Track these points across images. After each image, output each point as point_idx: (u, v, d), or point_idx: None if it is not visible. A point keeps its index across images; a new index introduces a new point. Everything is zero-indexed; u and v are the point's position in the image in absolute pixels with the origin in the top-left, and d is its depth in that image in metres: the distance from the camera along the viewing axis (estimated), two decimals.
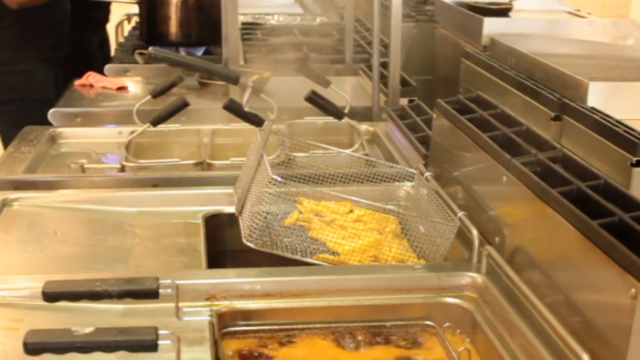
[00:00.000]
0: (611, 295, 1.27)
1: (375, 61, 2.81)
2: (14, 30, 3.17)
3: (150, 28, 3.51)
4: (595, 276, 1.33)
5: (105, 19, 4.32)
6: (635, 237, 1.29)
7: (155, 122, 2.23)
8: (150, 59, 2.02)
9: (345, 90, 2.71)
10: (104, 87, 3.07)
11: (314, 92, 2.25)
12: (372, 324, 1.62)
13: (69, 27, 3.49)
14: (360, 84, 3.22)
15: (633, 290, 1.21)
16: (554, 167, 1.58)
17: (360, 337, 1.59)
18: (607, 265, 1.28)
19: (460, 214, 1.78)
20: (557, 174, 1.56)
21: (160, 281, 1.48)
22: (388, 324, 1.63)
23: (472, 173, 1.88)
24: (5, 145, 2.55)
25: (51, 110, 2.75)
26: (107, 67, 3.35)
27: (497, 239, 1.70)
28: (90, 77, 3.11)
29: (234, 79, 2.18)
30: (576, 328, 1.36)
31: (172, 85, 2.46)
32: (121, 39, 4.20)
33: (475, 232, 1.71)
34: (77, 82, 3.09)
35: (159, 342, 1.30)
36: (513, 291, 1.56)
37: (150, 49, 2.04)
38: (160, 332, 1.31)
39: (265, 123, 1.99)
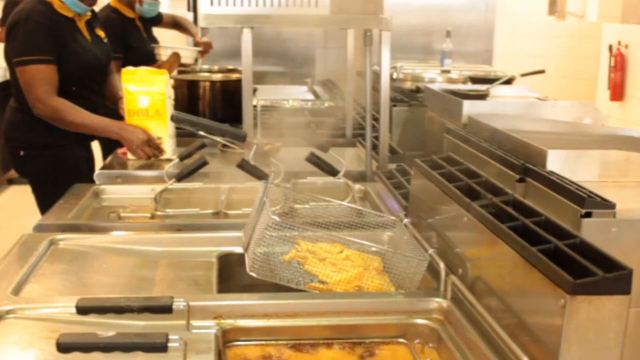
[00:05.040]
0: (546, 306, 1.31)
1: (368, 133, 2.88)
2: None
3: (182, 108, 3.61)
4: (534, 292, 1.37)
5: None
6: (566, 259, 1.33)
7: (180, 178, 2.31)
8: (172, 120, 2.11)
9: (344, 157, 2.77)
10: None
11: (312, 154, 2.32)
12: (354, 340, 1.66)
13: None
14: (357, 154, 3.30)
15: (562, 301, 1.25)
16: (505, 208, 1.63)
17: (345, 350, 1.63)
18: (543, 282, 1.32)
19: (431, 250, 1.82)
20: (507, 213, 1.61)
21: (174, 299, 1.53)
22: (367, 340, 1.66)
23: (442, 218, 1.93)
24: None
25: (96, 172, 2.83)
26: None
27: (460, 270, 1.74)
28: None
29: (242, 137, 2.25)
30: (519, 336, 1.39)
31: (196, 150, 2.55)
32: None
33: (442, 265, 1.75)
34: (119, 150, 3.18)
35: (169, 344, 1.35)
36: (472, 313, 1.60)
37: (173, 112, 2.13)
38: (170, 337, 1.36)
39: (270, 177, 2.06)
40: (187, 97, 3.63)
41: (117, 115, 3.25)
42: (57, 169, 3.21)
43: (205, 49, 4.16)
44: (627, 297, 1.25)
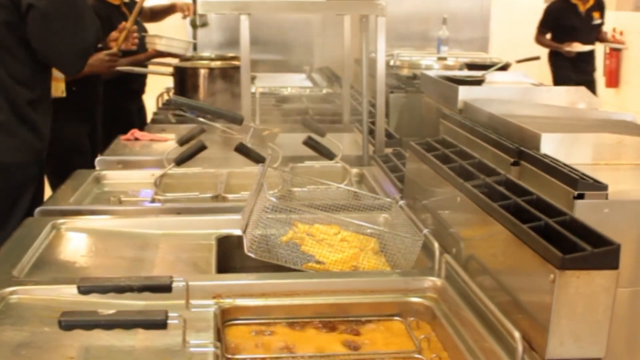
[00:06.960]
0: (537, 282, 1.32)
1: (365, 118, 2.89)
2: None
3: (182, 95, 3.61)
4: (525, 269, 1.38)
5: (141, 90, 4.46)
6: (556, 236, 1.35)
7: (179, 162, 2.31)
8: (171, 104, 2.11)
9: (342, 142, 2.78)
10: (150, 140, 3.17)
11: (309, 137, 2.33)
12: (350, 318, 1.67)
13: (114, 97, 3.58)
14: (354, 139, 3.30)
15: (552, 276, 1.26)
16: (497, 188, 1.64)
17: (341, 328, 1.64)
18: (533, 258, 1.33)
19: (425, 230, 1.84)
20: (499, 193, 1.62)
21: (174, 279, 1.54)
22: (364, 319, 1.68)
23: (436, 199, 1.94)
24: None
25: (97, 158, 2.84)
26: (149, 126, 3.45)
27: (454, 249, 1.75)
28: (136, 133, 3.22)
29: (239, 120, 2.27)
30: (511, 312, 1.41)
31: (195, 135, 2.55)
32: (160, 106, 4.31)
33: (436, 245, 1.76)
34: (122, 137, 3.19)
35: (169, 322, 1.36)
36: (466, 291, 1.61)
37: (172, 96, 2.14)
38: (169, 314, 1.37)
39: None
40: (185, 84, 3.62)
41: (118, 101, 3.26)
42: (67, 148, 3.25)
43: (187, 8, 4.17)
44: (616, 272, 1.26)
